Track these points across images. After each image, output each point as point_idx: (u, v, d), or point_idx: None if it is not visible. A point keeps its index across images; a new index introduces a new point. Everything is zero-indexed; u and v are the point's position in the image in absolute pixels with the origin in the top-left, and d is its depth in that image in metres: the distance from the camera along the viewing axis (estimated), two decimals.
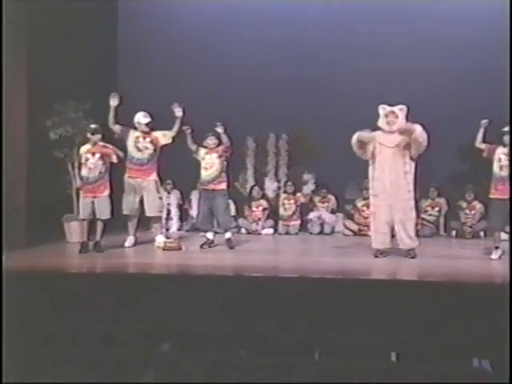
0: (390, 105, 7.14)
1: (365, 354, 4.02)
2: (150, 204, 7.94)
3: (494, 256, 7.00)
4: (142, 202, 7.95)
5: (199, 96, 10.69)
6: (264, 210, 10.27)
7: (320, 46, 10.62)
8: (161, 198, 8.28)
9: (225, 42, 10.88)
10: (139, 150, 7.90)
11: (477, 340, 4.27)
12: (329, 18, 10.75)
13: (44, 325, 4.55)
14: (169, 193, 10.35)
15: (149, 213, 7.98)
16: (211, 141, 7.97)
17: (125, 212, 7.95)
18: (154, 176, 7.96)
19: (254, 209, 10.24)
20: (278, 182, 11.04)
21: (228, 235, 7.99)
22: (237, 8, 11.09)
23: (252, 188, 10.51)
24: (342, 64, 10.58)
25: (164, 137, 8.00)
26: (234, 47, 10.90)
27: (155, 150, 7.97)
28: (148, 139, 7.94)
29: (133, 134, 7.94)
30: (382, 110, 7.17)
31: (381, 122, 7.15)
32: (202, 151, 7.98)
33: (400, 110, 7.12)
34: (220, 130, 7.85)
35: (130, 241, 7.95)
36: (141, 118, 7.96)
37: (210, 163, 7.91)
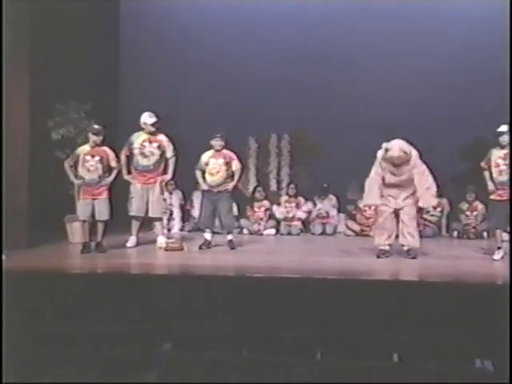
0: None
1: (366, 354, 4.01)
2: (155, 205, 7.92)
3: (497, 256, 6.98)
4: (147, 203, 7.94)
5: (200, 96, 10.72)
6: (266, 210, 10.27)
7: (321, 46, 10.62)
8: (165, 200, 8.27)
9: (226, 42, 10.89)
10: (145, 156, 7.84)
11: (478, 340, 4.26)
12: (329, 17, 10.75)
13: (44, 325, 4.55)
14: (171, 193, 10.35)
15: (152, 214, 7.95)
16: (217, 142, 7.81)
17: (132, 213, 7.91)
18: (160, 179, 7.95)
19: (256, 209, 10.23)
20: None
21: (230, 236, 7.97)
22: (238, 8, 11.11)
23: (255, 189, 10.51)
24: (342, 64, 10.58)
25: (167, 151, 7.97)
26: (235, 47, 10.91)
27: (161, 156, 7.91)
28: (154, 144, 7.86)
29: (137, 140, 7.88)
30: (385, 151, 6.98)
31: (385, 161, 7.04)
32: (205, 155, 7.88)
33: (405, 154, 6.93)
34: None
35: (132, 241, 7.94)
36: (146, 118, 7.87)
37: (216, 168, 7.82)
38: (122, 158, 7.88)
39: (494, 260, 6.95)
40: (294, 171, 11.13)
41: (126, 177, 7.88)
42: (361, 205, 9.90)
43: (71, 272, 6.47)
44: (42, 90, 7.91)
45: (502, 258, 6.91)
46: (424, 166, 7.01)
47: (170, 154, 7.94)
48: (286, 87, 10.64)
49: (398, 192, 7.06)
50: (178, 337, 4.38)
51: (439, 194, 9.94)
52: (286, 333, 4.35)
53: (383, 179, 7.07)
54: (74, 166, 7.55)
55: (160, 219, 8.21)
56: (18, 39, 7.42)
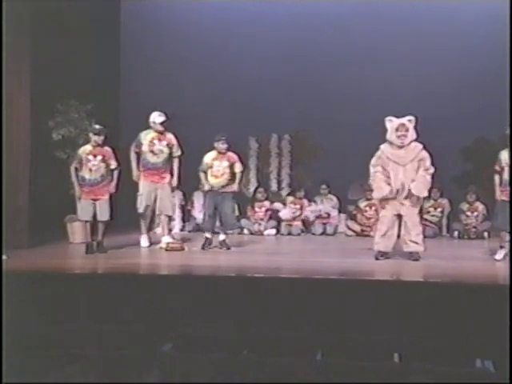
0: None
1: (366, 355, 4.00)
2: (164, 203, 7.91)
3: (498, 256, 6.95)
4: (154, 200, 7.93)
5: (201, 96, 10.72)
6: (267, 210, 10.27)
7: (322, 46, 10.62)
8: (173, 197, 8.36)
9: (226, 42, 10.89)
10: (154, 153, 7.86)
11: (478, 340, 4.25)
12: (329, 18, 10.75)
13: (44, 325, 4.55)
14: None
15: (161, 212, 7.96)
16: (223, 145, 7.79)
17: (140, 210, 7.89)
18: (169, 178, 7.95)
19: (256, 209, 10.23)
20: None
21: (222, 237, 7.91)
22: (238, 8, 11.11)
23: (256, 189, 10.52)
24: (343, 65, 10.57)
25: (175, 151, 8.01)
26: (236, 47, 10.91)
27: (170, 154, 7.94)
28: (164, 142, 7.90)
29: (146, 137, 7.90)
30: (390, 122, 6.89)
31: (390, 136, 6.88)
32: (208, 157, 7.86)
33: (409, 122, 6.85)
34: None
35: (144, 240, 7.98)
36: (156, 117, 7.90)
37: (220, 171, 7.79)
38: (132, 154, 7.90)
39: (496, 260, 6.93)
40: (294, 171, 11.12)
41: (136, 173, 7.88)
42: (361, 205, 9.92)
43: (72, 272, 6.48)
44: (42, 90, 7.91)
45: (504, 257, 6.88)
46: (433, 169, 6.95)
47: (177, 153, 7.99)
48: (287, 87, 10.63)
49: (401, 198, 6.96)
50: (178, 337, 4.38)
51: (440, 194, 10.00)
52: (286, 333, 4.35)
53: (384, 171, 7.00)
54: (79, 168, 7.51)
55: (170, 217, 8.21)
56: (18, 39, 7.42)
